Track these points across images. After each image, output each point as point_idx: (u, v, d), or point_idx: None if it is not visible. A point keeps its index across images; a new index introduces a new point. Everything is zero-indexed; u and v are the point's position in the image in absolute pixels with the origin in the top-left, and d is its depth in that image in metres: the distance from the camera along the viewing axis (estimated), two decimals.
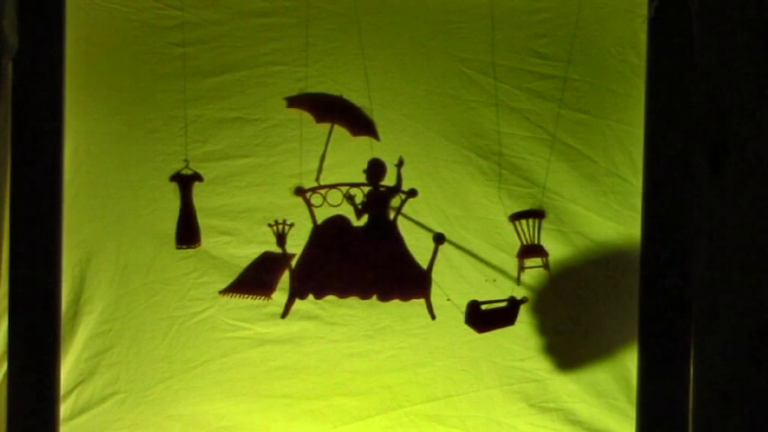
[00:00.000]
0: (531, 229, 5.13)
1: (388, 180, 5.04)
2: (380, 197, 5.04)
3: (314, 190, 5.05)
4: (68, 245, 5.20)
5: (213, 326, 5.34)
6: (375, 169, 5.04)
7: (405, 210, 5.05)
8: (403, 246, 5.06)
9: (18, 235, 5.06)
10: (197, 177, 5.08)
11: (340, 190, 5.04)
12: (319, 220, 5.06)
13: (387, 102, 5.20)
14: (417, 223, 5.20)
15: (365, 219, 5.04)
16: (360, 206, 5.03)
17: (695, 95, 4.50)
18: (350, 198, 5.03)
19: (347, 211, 5.06)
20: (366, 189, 5.04)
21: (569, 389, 5.45)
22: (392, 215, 5.04)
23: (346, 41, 5.21)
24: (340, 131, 5.05)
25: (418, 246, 5.09)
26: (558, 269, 5.34)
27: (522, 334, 5.35)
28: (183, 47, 5.18)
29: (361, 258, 5.02)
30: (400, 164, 5.05)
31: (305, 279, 5.04)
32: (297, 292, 5.05)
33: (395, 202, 5.05)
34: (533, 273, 5.23)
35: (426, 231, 5.19)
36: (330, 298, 5.09)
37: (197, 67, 5.22)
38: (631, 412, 5.40)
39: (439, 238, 5.08)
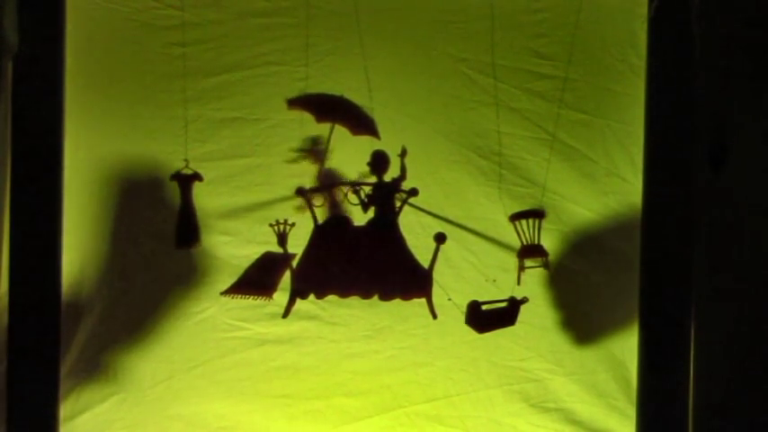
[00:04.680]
0: (531, 229, 5.13)
1: (392, 172, 5.05)
2: (386, 189, 5.05)
3: (315, 190, 5.07)
4: (68, 245, 5.20)
5: (213, 326, 5.34)
6: (379, 161, 5.05)
7: (407, 207, 5.07)
8: (404, 245, 5.07)
9: (18, 234, 5.07)
10: (197, 177, 5.08)
11: (341, 190, 5.05)
12: (320, 220, 5.07)
13: (387, 101, 5.20)
14: (427, 212, 5.20)
15: (371, 212, 5.05)
16: (366, 199, 5.04)
17: (695, 95, 4.52)
18: (356, 192, 5.04)
19: (348, 211, 5.06)
20: (367, 189, 5.05)
21: (569, 389, 5.44)
22: (398, 205, 5.05)
23: (346, 41, 5.21)
24: (341, 131, 5.06)
25: (419, 245, 5.10)
26: (557, 268, 5.34)
27: (522, 334, 5.35)
28: (183, 47, 5.18)
29: (362, 258, 5.02)
30: (403, 153, 5.06)
31: (306, 279, 5.04)
32: (298, 292, 5.06)
33: (398, 198, 5.06)
34: (533, 273, 5.23)
35: (432, 224, 5.19)
36: (330, 298, 5.09)
37: (197, 67, 5.22)
38: (631, 412, 5.40)
39: (440, 238, 5.09)
